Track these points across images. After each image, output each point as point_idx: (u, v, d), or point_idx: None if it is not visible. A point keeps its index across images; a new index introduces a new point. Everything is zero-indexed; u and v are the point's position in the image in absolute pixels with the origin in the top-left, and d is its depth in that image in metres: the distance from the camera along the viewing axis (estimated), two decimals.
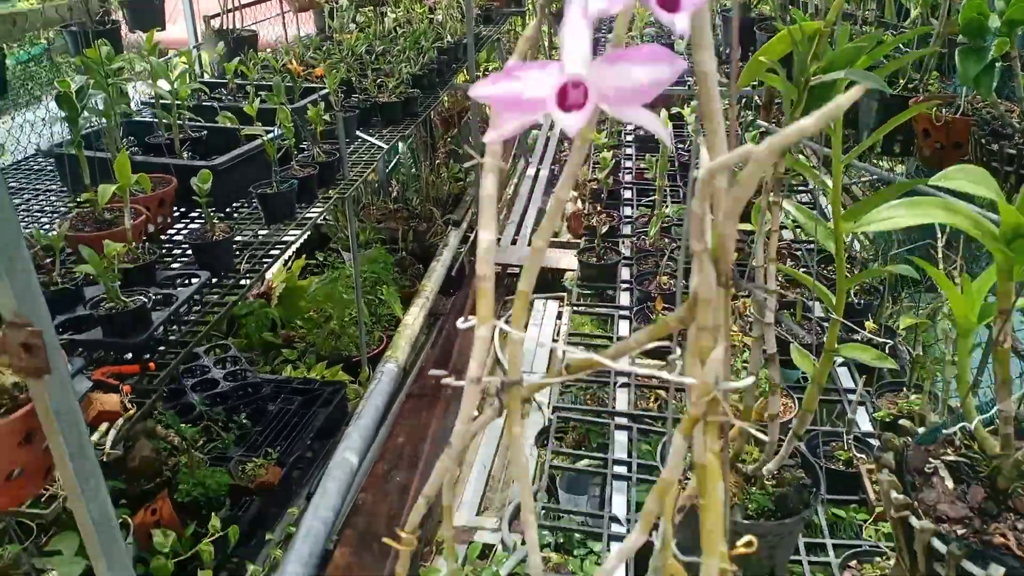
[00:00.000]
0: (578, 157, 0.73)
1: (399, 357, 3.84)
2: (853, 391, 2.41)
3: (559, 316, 4.28)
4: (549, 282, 4.54)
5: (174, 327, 2.42)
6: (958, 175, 1.01)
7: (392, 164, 6.30)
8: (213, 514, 2.64)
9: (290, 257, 4.46)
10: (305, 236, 5.45)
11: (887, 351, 2.03)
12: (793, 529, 1.62)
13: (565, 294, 4.29)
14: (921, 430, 1.26)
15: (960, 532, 1.09)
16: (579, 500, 2.96)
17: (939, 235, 2.14)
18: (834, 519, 2.02)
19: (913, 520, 1.10)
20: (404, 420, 3.73)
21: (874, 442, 2.11)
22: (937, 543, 1.08)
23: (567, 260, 4.53)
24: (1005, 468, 1.14)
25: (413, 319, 4.13)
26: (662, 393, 4.00)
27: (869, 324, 2.36)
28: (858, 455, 2.04)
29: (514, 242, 5.30)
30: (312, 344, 3.89)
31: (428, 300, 4.30)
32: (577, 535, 2.98)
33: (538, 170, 6.55)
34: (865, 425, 2.25)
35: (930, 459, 1.21)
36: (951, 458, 1.23)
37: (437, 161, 6.09)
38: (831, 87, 1.62)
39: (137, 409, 2.07)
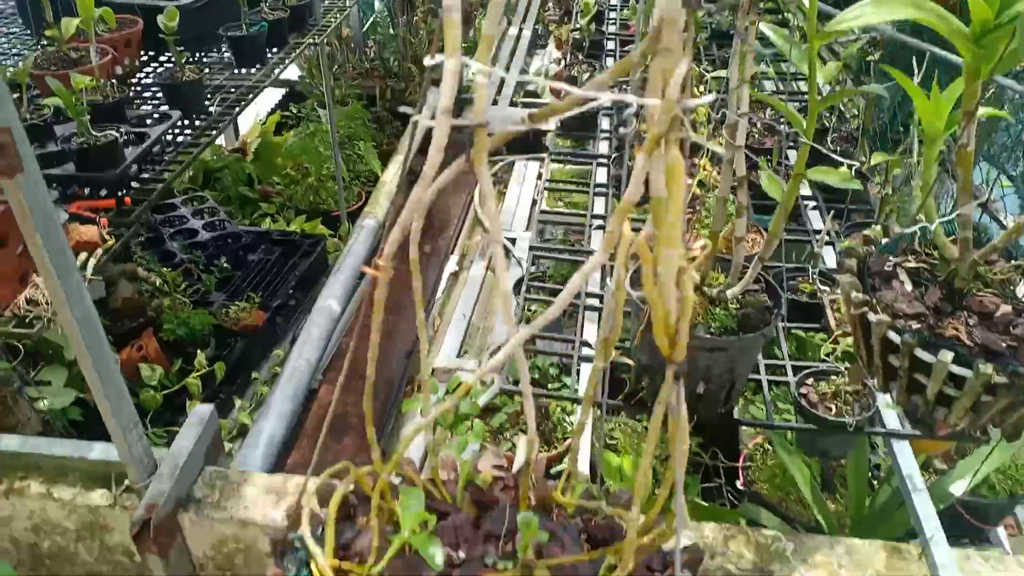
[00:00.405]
0: None
1: (378, 213, 3.84)
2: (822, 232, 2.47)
3: (539, 177, 4.28)
4: (530, 141, 4.50)
5: (148, 166, 2.40)
6: None
7: (368, 22, 6.08)
8: (199, 352, 2.70)
9: (265, 114, 4.37)
10: (279, 94, 5.33)
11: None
12: (753, 344, 1.69)
13: (545, 154, 4.27)
14: (885, 241, 1.30)
15: (915, 326, 1.15)
16: (554, 345, 3.06)
17: (914, 72, 2.12)
18: (795, 348, 2.11)
19: (871, 315, 1.15)
20: None
21: (839, 277, 2.17)
22: (892, 335, 1.14)
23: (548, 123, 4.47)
24: (962, 270, 1.19)
25: (392, 175, 4.10)
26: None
27: (843, 169, 2.37)
28: (822, 287, 2.10)
29: (495, 102, 5.20)
30: (290, 199, 3.87)
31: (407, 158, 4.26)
32: (552, 370, 3.10)
33: (520, 30, 6.35)
34: (831, 262, 2.31)
35: (892, 267, 1.25)
36: (912, 264, 1.27)
37: (415, 18, 5.87)
38: None
39: (115, 242, 2.08)
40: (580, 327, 2.11)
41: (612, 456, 2.49)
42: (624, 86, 3.06)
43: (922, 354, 1.17)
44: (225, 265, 3.05)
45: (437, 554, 0.93)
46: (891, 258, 1.29)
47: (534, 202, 4.23)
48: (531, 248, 2.78)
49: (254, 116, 4.33)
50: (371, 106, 4.90)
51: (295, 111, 4.30)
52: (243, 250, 3.33)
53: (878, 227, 1.53)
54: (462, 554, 1.06)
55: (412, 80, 5.16)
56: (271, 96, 5.12)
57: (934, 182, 1.25)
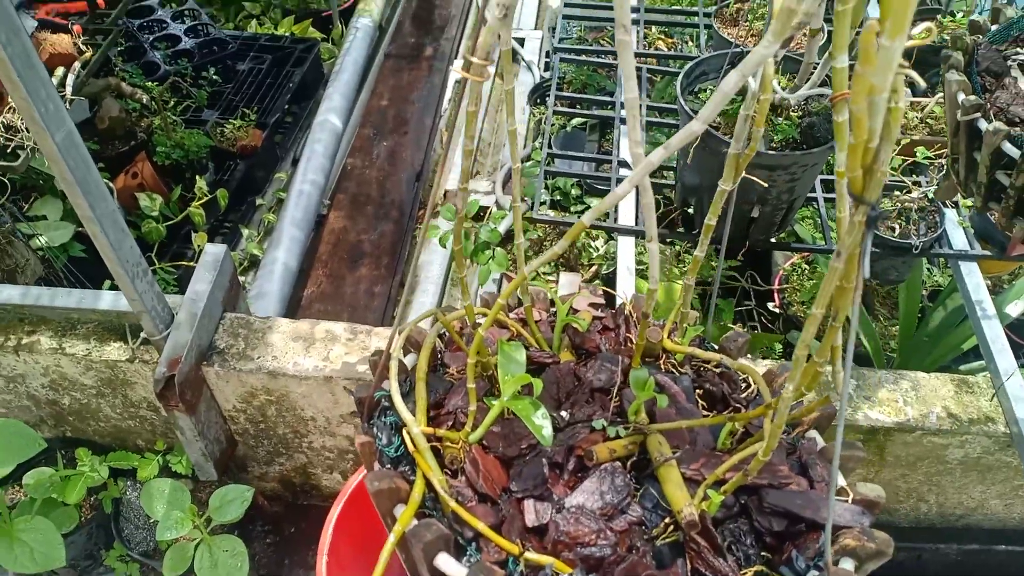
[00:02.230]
0: None
1: (373, 11, 3.49)
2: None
3: None
4: None
5: None
6: None
7: None
8: (198, 177, 2.51)
9: None
10: None
11: None
12: (819, 160, 1.51)
13: None
14: (994, 28, 1.09)
15: None
16: (573, 164, 2.86)
17: None
18: None
19: (982, 122, 0.97)
20: (385, 80, 3.48)
21: (945, 75, 1.96)
22: (1008, 146, 0.97)
23: None
24: None
25: None
26: (663, 44, 3.74)
27: None
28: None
29: None
30: None
31: None
32: (574, 192, 2.93)
33: None
34: None
35: (1003, 60, 1.06)
36: None
37: None
38: None
39: (93, 52, 1.83)
40: (616, 144, 1.92)
41: (641, 282, 2.38)
42: None
43: None
44: (214, 77, 2.76)
45: (546, 426, 0.80)
46: (1000, 51, 1.10)
47: None
48: (555, 50, 2.51)
49: None
50: None
51: None
52: (231, 58, 3.02)
53: (985, 13, 1.31)
54: (565, 414, 0.94)
55: None
56: None
57: None
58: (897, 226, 1.63)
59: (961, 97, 1.03)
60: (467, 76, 0.71)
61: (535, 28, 3.62)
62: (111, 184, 2.41)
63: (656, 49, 3.15)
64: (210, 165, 2.65)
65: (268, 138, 2.84)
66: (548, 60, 3.09)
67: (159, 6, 3.09)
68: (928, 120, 1.73)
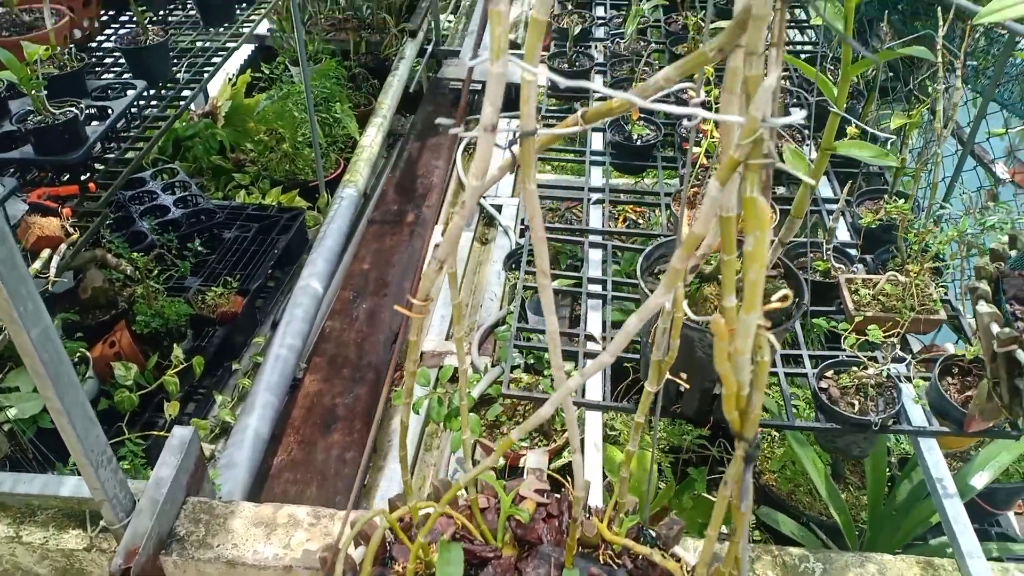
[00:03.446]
0: None
1: (358, 181, 3.65)
2: (832, 201, 2.33)
3: None
4: (514, 99, 4.29)
5: (112, 144, 2.21)
6: None
7: None
8: (175, 345, 2.54)
9: (234, 73, 4.11)
10: (249, 49, 5.05)
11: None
12: (776, 339, 1.56)
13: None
14: (1013, 253, 1.17)
15: None
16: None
17: (940, 23, 1.97)
18: (809, 329, 2.00)
19: (1020, 353, 1.02)
20: (368, 245, 3.60)
21: (852, 252, 2.05)
22: None
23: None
24: None
25: (371, 140, 3.90)
26: (631, 214, 3.91)
27: (850, 128, 2.23)
28: (836, 265, 1.97)
29: (474, 55, 4.98)
30: (265, 168, 3.66)
31: (386, 119, 4.05)
32: (547, 356, 2.97)
33: None
34: (843, 235, 2.19)
35: None
36: None
37: None
38: None
39: (80, 234, 1.90)
40: (584, 318, 1.98)
41: (615, 451, 2.39)
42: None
43: None
44: (200, 248, 2.86)
45: None
46: (1021, 274, 1.16)
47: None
48: (526, 228, 2.63)
49: (224, 76, 4.08)
50: (345, 61, 4.65)
51: (267, 72, 4.04)
52: (218, 227, 3.13)
53: (1004, 239, 1.39)
54: None
55: (387, 32, 4.90)
56: (240, 52, 4.85)
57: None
58: (856, 402, 1.66)
59: (995, 329, 1.07)
60: (410, 314, 0.76)
61: (512, 195, 3.80)
62: (88, 353, 2.43)
63: (626, 216, 3.28)
64: (189, 332, 2.69)
65: (249, 303, 2.90)
66: (524, 227, 3.21)
67: (151, 178, 3.23)
68: (880, 297, 1.80)
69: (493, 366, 2.87)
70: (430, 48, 4.76)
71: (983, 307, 1.08)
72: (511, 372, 2.30)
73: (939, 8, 2.78)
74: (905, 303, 1.77)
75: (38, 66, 1.91)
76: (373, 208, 3.85)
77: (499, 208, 3.79)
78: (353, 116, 4.04)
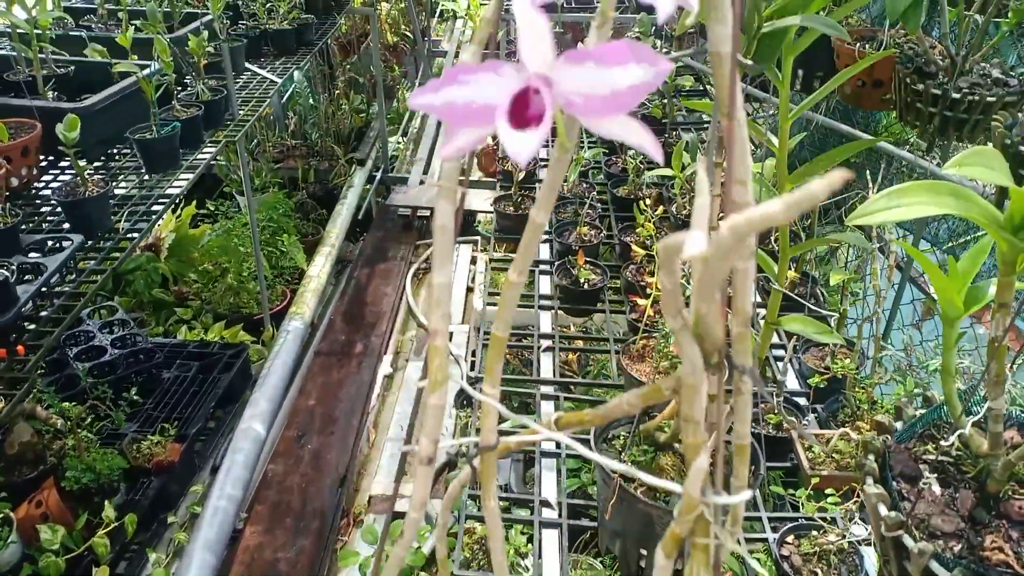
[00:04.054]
0: (559, 172, 0.56)
1: (305, 313, 3.60)
2: (779, 347, 2.36)
3: (473, 261, 4.10)
4: (460, 223, 4.33)
5: (45, 301, 2.12)
6: (974, 160, 0.87)
7: (288, 94, 5.87)
8: (107, 502, 2.39)
9: (179, 203, 4.08)
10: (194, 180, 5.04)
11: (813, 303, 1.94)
12: None
13: (478, 238, 4.10)
14: (898, 425, 1.17)
15: (956, 548, 1.01)
16: (501, 469, 2.86)
17: (871, 185, 2.05)
18: (768, 489, 1.97)
19: (908, 540, 1.00)
20: (314, 378, 3.51)
21: (802, 401, 2.06)
22: (937, 567, 0.99)
23: (479, 202, 4.34)
24: (995, 470, 1.06)
25: (319, 270, 3.87)
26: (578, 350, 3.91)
27: (790, 272, 2.28)
28: (788, 418, 1.97)
29: (422, 181, 5.05)
30: (208, 302, 3.59)
31: (334, 248, 4.04)
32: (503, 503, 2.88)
33: None
34: (792, 384, 2.20)
35: (914, 460, 1.12)
36: (933, 456, 1.14)
37: (336, 92, 5.69)
38: (783, 34, 1.48)
39: (5, 403, 1.80)
40: (538, 484, 1.93)
41: None
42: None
43: None
44: (135, 398, 2.74)
45: None
46: (910, 450, 1.16)
47: (469, 289, 4.03)
48: (473, 379, 2.60)
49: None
50: (293, 189, 4.67)
51: (212, 208, 4.02)
52: (157, 367, 3.03)
53: (891, 411, 1.39)
54: None
55: (336, 160, 4.95)
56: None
57: (955, 371, 1.13)
58: (819, 571, 1.62)
59: (883, 511, 1.06)
60: None
61: (462, 322, 3.76)
62: (12, 515, 2.28)
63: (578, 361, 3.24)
64: (122, 486, 2.55)
65: (187, 450, 2.78)
66: (472, 360, 3.17)
67: (87, 317, 3.13)
68: (834, 455, 1.79)
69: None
70: (379, 175, 4.82)
71: (871, 486, 1.07)
72: (465, 522, 2.22)
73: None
74: (859, 460, 1.76)
75: None
76: (320, 339, 3.78)
77: (449, 335, 3.74)
78: (300, 247, 4.02)
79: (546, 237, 3.05)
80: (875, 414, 1.82)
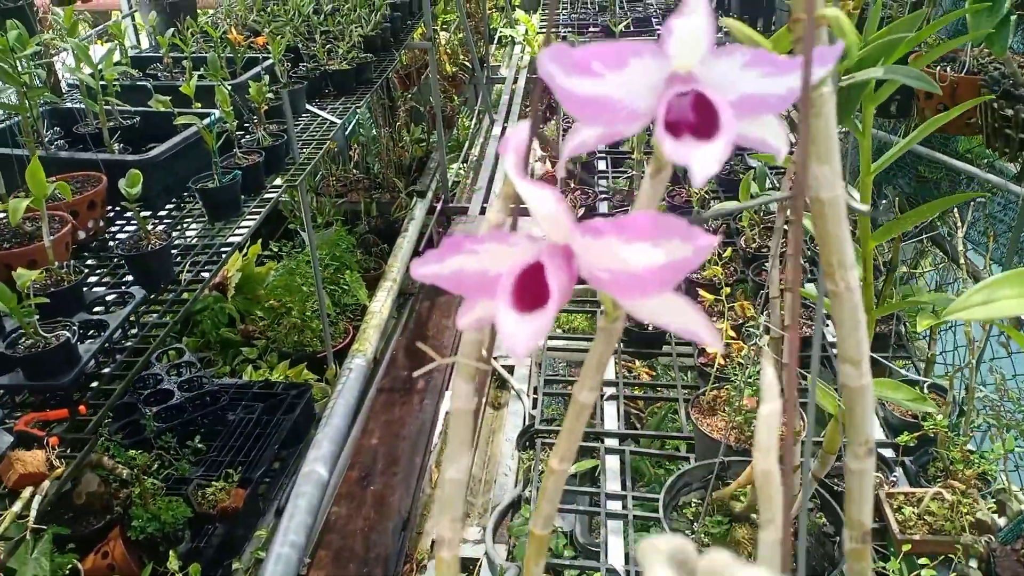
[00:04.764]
0: (607, 346, 0.48)
1: (367, 350, 3.58)
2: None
3: None
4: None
5: (107, 357, 2.14)
6: None
7: (351, 127, 5.93)
8: (172, 551, 2.40)
9: (245, 242, 4.13)
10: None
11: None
12: None
13: None
14: (1002, 522, 1.05)
15: None
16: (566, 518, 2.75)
17: (959, 225, 1.91)
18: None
19: None
20: (377, 416, 3.49)
21: (888, 452, 1.91)
22: None
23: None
24: None
25: (381, 305, 3.86)
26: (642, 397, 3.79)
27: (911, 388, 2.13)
28: (875, 474, 1.83)
29: (483, 211, 5.02)
30: (274, 340, 3.61)
31: (395, 283, 4.03)
32: (567, 552, 2.79)
33: (504, 128, 6.22)
34: (877, 432, 2.05)
35: (1021, 563, 1.00)
36: None
37: (398, 123, 5.73)
38: (863, 86, 1.37)
39: (67, 466, 1.80)
40: (604, 545, 1.83)
41: None
42: None
43: None
44: (199, 446, 2.75)
45: None
46: (1016, 552, 1.04)
47: None
48: (545, 384, 2.52)
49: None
50: (356, 223, 4.70)
51: (275, 248, 4.07)
52: (222, 409, 3.05)
53: (987, 468, 1.27)
54: None
55: (398, 193, 4.97)
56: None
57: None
58: None
59: None
60: None
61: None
62: (80, 565, 2.30)
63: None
64: (187, 534, 2.55)
65: (251, 494, 2.78)
66: (535, 397, 3.10)
67: (155, 360, 3.18)
68: (926, 516, 1.65)
69: (510, 557, 2.70)
70: (439, 206, 4.81)
71: None
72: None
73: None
74: (954, 523, 1.62)
75: (31, 290, 1.87)
76: (383, 375, 3.77)
77: (511, 369, 3.69)
78: (362, 283, 4.02)
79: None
80: (969, 470, 1.67)
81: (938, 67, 2.57)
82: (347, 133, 5.85)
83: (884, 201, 3.33)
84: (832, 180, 0.38)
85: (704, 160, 0.33)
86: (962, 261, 1.76)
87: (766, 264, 2.31)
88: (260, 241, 4.17)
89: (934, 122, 1.40)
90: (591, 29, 4.06)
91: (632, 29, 3.99)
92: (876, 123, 2.97)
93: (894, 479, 1.77)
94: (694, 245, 0.32)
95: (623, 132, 0.38)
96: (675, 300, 0.35)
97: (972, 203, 2.58)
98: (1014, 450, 1.54)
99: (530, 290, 0.35)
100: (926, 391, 1.87)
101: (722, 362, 1.91)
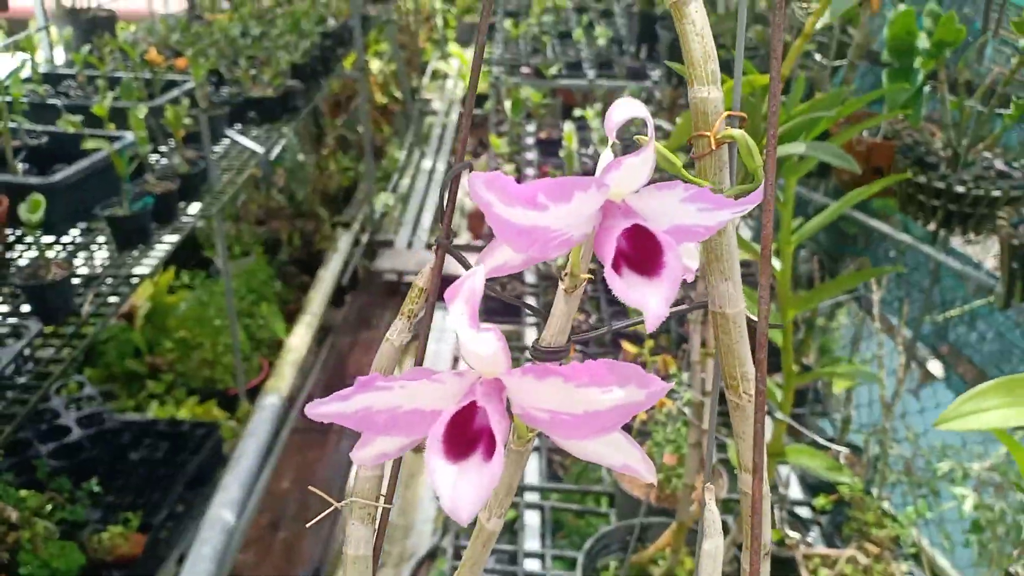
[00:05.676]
0: (514, 471, 0.45)
1: (282, 387, 3.46)
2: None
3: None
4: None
5: None
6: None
7: (276, 152, 5.79)
8: None
9: (155, 273, 3.96)
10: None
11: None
12: None
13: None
14: None
15: None
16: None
17: (875, 288, 1.96)
18: None
19: None
20: (290, 458, 3.37)
21: (805, 512, 1.93)
22: None
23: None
24: None
25: (299, 340, 3.75)
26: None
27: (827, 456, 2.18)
28: (791, 533, 1.84)
29: (410, 245, 4.96)
30: (182, 373, 3.45)
31: (315, 317, 3.92)
32: None
33: (434, 163, 6.20)
34: (794, 490, 2.07)
35: None
36: None
37: (325, 151, 5.63)
38: (786, 159, 1.39)
39: None
40: None
41: None
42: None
43: None
44: (96, 489, 2.58)
45: None
46: None
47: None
48: None
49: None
50: (276, 251, 4.57)
51: (187, 279, 3.91)
52: (124, 448, 2.88)
53: (904, 569, 1.27)
54: None
55: (321, 223, 4.86)
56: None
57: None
58: None
59: None
60: None
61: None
62: None
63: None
64: None
65: (152, 540, 2.62)
66: None
67: (54, 393, 2.99)
68: None
69: None
70: (364, 238, 4.73)
71: None
72: None
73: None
74: None
75: None
76: (298, 414, 3.64)
77: None
78: (281, 316, 3.90)
79: (532, 319, 2.94)
80: (882, 531, 1.70)
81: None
82: (272, 158, 5.71)
83: (803, 251, 3.43)
84: (735, 296, 0.36)
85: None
86: (876, 324, 1.81)
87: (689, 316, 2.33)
88: (173, 269, 4.00)
89: (857, 194, 1.43)
90: (523, 70, 4.08)
91: (564, 73, 4.02)
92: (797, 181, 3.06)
93: (810, 539, 1.79)
94: (647, 391, 0.30)
95: (551, 256, 0.35)
96: (614, 436, 0.33)
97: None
98: (926, 514, 1.57)
99: (462, 434, 0.32)
100: (843, 450, 1.90)
101: (644, 417, 1.90)
